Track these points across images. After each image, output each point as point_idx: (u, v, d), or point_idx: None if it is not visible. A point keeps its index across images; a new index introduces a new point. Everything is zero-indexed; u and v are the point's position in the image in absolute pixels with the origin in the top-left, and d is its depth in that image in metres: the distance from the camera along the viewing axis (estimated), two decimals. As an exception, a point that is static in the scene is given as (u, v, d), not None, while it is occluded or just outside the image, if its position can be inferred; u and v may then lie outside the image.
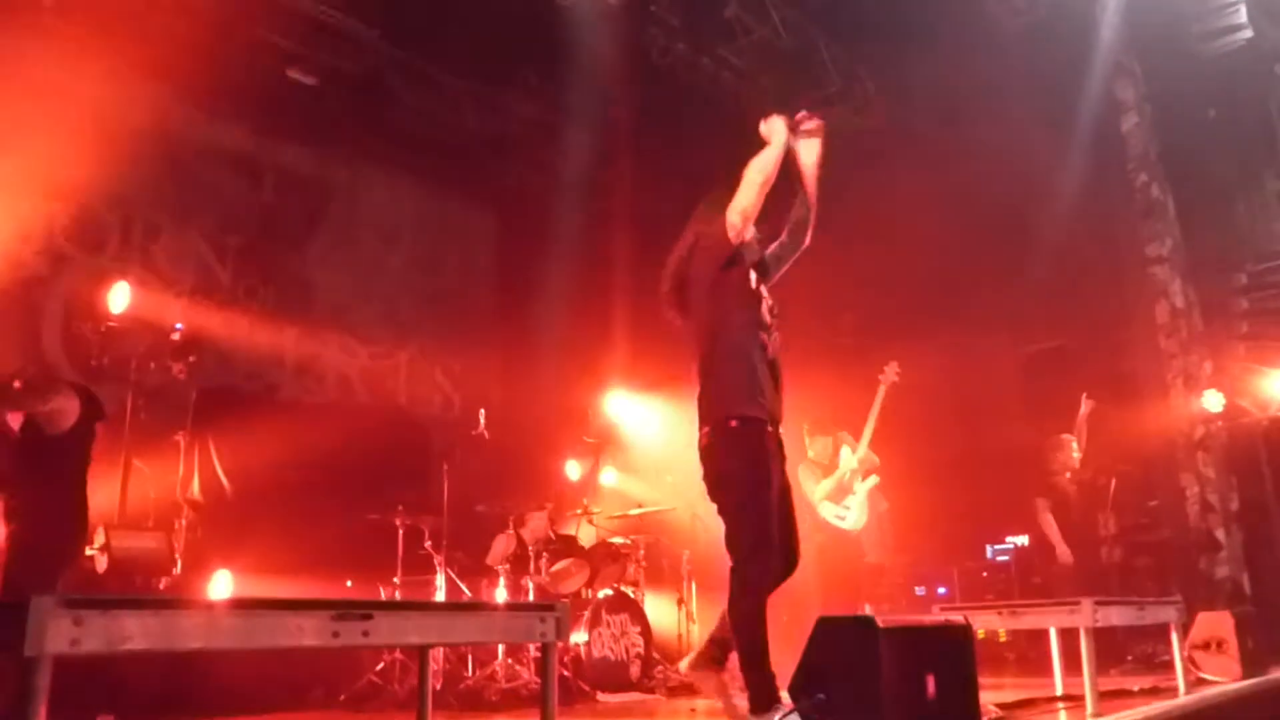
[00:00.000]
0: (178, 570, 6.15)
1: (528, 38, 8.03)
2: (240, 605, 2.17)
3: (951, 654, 2.80)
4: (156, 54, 6.70)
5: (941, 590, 9.19)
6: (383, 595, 6.08)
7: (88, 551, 5.98)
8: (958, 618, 2.95)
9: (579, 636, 5.74)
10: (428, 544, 6.13)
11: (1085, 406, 7.46)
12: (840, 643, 2.59)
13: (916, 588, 9.15)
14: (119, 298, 6.68)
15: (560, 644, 5.65)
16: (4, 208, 6.53)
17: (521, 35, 8.00)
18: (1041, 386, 9.41)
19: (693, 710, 5.19)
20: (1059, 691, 4.58)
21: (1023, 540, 9.17)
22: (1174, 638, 4.56)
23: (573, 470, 8.74)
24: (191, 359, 6.72)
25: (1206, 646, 5.44)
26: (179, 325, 6.84)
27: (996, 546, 9.32)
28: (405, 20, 7.85)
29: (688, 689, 6.20)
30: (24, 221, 6.68)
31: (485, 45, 8.09)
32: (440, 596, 5.86)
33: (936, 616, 3.07)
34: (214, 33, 6.82)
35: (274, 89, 7.71)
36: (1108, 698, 4.27)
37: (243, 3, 7.03)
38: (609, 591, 6.18)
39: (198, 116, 7.61)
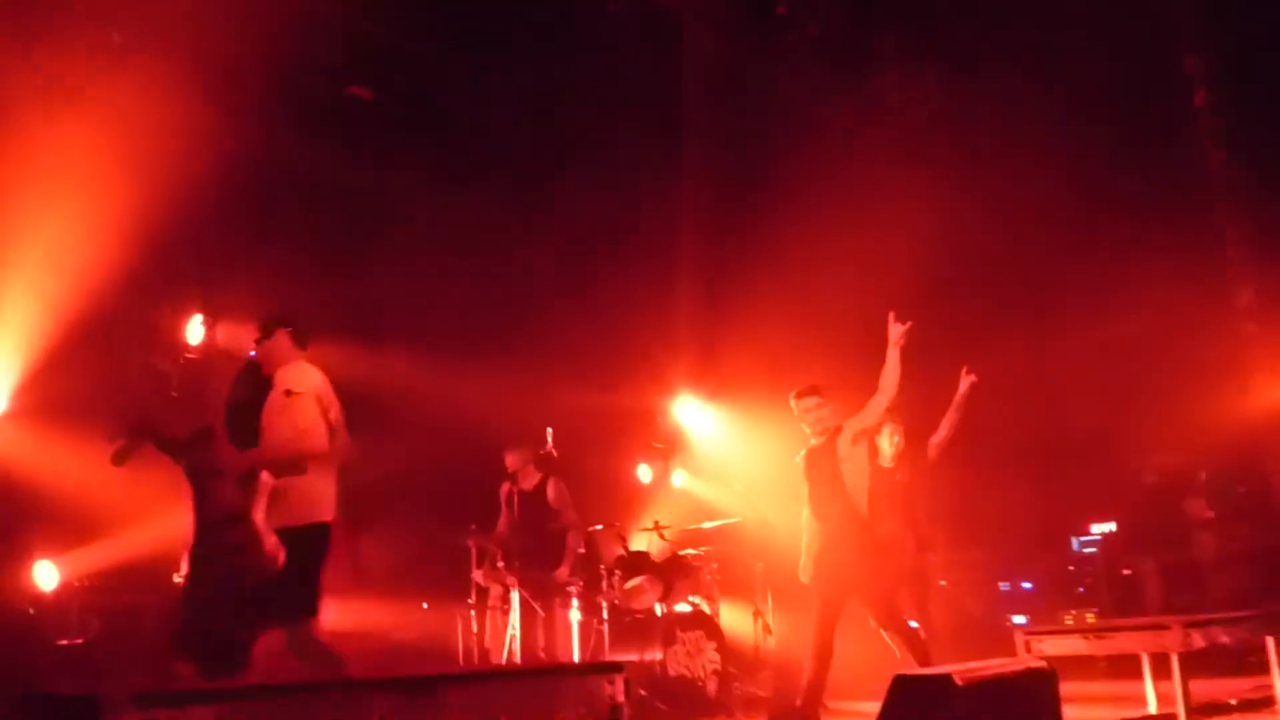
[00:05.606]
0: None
1: (581, 45, 8.02)
2: (307, 688, 2.19)
3: (1035, 702, 2.71)
4: (224, 83, 6.83)
5: (1026, 585, 8.99)
6: (459, 627, 6.16)
7: (175, 578, 6.18)
8: (1040, 662, 2.86)
9: (653, 655, 5.73)
10: (500, 565, 6.17)
11: None
12: (917, 703, 2.51)
13: (1000, 583, 8.97)
14: (195, 330, 6.88)
15: (635, 661, 5.68)
16: (85, 243, 6.70)
17: (575, 43, 7.99)
18: (1118, 371, 9.14)
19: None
20: (1152, 710, 4.43)
21: (1110, 527, 8.92)
22: (1272, 653, 4.36)
23: (644, 474, 8.76)
24: (266, 383, 6.88)
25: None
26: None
27: (1083, 539, 9.06)
28: (460, 33, 7.89)
29: (764, 703, 6.17)
30: (106, 257, 6.84)
31: (540, 54, 8.10)
32: (514, 617, 5.90)
33: (1018, 662, 2.98)
34: (279, 60, 6.91)
35: (336, 108, 7.80)
36: (1202, 714, 4.12)
37: (303, 27, 7.12)
38: (684, 607, 6.15)
39: (264, 143, 7.72)
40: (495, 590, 6.35)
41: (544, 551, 6.27)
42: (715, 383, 8.88)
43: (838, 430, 5.29)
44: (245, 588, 4.24)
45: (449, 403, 7.61)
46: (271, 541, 4.28)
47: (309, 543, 4.28)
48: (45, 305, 6.53)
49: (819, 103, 8.52)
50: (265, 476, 4.40)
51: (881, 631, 5.08)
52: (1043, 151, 8.34)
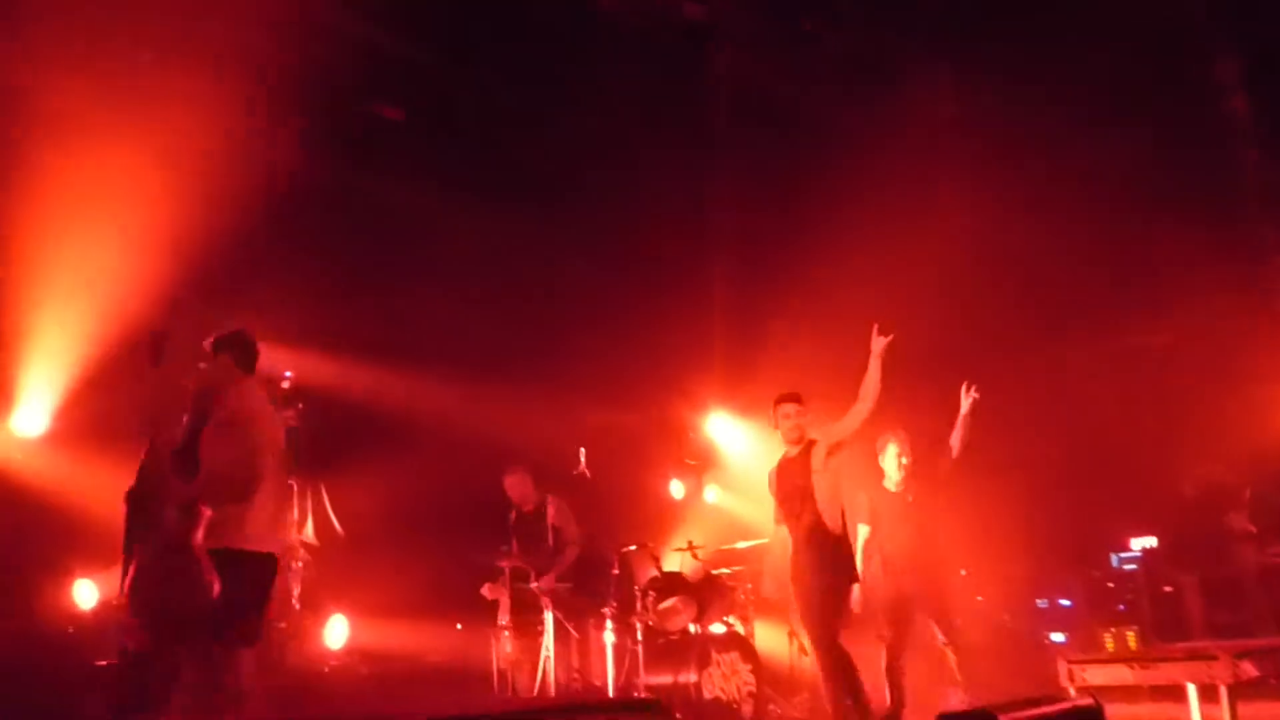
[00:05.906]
0: (296, 608, 6.34)
1: (609, 63, 8.03)
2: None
3: (1080, 741, 2.64)
4: (260, 103, 6.87)
5: (1065, 602, 8.85)
6: (493, 649, 6.14)
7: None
8: (1086, 699, 2.79)
9: (688, 677, 5.68)
10: (534, 585, 6.15)
11: None
12: (961, 743, 2.47)
13: (1038, 600, 8.83)
14: (227, 352, 6.90)
15: (669, 683, 5.63)
16: (124, 265, 6.76)
17: (603, 61, 8.00)
18: (1158, 383, 8.98)
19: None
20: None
21: (1150, 542, 8.76)
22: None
23: (677, 489, 8.73)
24: (300, 406, 6.90)
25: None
26: (288, 373, 7.03)
27: (1123, 555, 8.90)
28: (491, 51, 7.92)
29: (801, 727, 6.10)
30: (145, 278, 6.90)
31: (570, 73, 8.11)
32: (548, 638, 5.88)
33: (1064, 700, 2.91)
34: (315, 80, 6.96)
35: (370, 127, 7.85)
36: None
37: (336, 47, 7.16)
38: (719, 628, 6.10)
39: (298, 163, 7.76)
40: (503, 603, 6.32)
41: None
42: (746, 398, 8.83)
43: (813, 443, 5.31)
44: (178, 618, 4.12)
45: (480, 422, 7.62)
46: (208, 571, 4.16)
47: (244, 571, 4.15)
48: (85, 326, 6.60)
49: (846, 117, 8.47)
50: (203, 505, 4.28)
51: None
52: (1076, 159, 8.24)
